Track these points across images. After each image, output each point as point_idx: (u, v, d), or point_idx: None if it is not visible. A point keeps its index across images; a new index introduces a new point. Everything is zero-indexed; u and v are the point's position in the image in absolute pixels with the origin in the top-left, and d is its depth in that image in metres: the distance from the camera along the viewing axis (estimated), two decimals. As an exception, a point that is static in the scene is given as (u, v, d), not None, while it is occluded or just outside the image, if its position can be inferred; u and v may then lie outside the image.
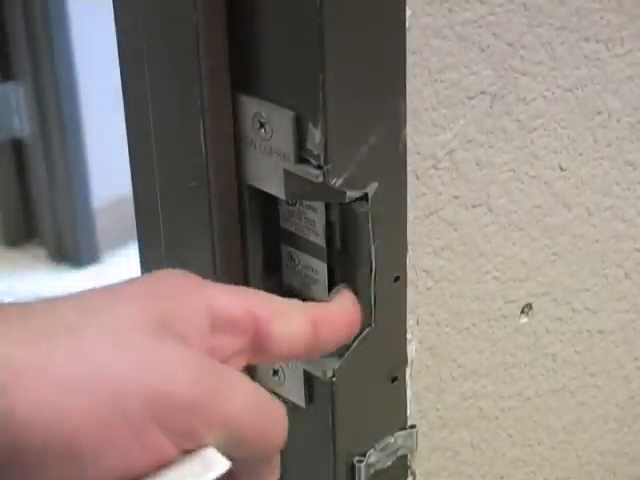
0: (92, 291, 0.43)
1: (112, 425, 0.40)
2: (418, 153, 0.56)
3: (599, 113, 0.64)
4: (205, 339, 0.44)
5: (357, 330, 0.53)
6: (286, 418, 0.45)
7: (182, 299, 0.44)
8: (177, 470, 0.41)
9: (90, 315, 0.42)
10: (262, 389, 0.44)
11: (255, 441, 0.43)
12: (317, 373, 0.56)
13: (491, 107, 0.59)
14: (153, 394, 0.40)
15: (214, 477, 0.41)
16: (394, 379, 0.60)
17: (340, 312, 0.52)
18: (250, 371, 0.60)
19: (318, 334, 0.48)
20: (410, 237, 0.57)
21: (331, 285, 0.56)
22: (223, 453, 0.42)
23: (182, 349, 0.42)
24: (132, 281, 0.45)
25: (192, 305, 0.44)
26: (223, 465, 0.41)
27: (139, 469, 0.40)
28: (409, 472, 0.63)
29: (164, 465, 0.41)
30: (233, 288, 0.48)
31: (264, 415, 0.44)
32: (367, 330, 0.56)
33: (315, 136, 0.51)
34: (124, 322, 0.42)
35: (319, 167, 0.52)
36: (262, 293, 0.48)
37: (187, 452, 0.41)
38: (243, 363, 0.47)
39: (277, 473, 0.47)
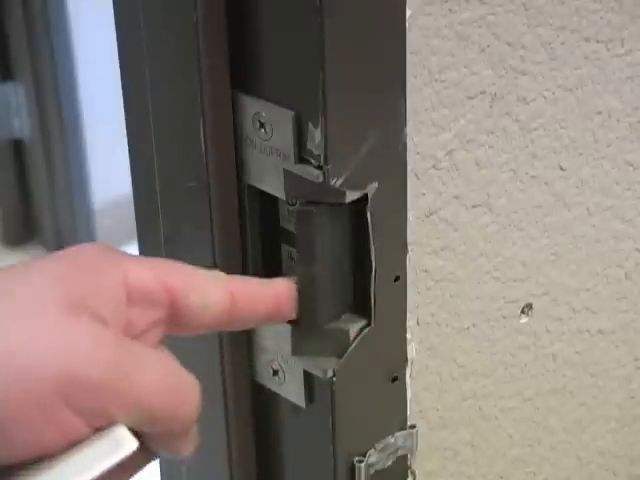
0: (11, 266, 0.44)
1: (22, 405, 0.40)
2: (418, 153, 0.56)
3: (599, 113, 0.64)
4: (120, 313, 0.45)
5: (290, 310, 0.53)
6: (198, 393, 0.45)
7: (97, 274, 0.45)
8: (88, 448, 0.42)
9: (5, 290, 0.42)
10: (176, 365, 0.45)
11: (167, 418, 0.44)
12: (317, 373, 0.56)
13: (491, 107, 0.59)
14: (62, 373, 0.41)
15: (123, 455, 0.42)
16: (394, 379, 0.60)
17: (264, 289, 0.52)
18: (250, 371, 0.60)
19: (236, 307, 0.49)
20: (410, 237, 0.57)
21: (331, 285, 0.56)
22: (135, 430, 0.43)
23: (95, 329, 0.43)
24: (48, 258, 0.45)
25: (108, 279, 0.45)
26: (132, 444, 0.42)
27: (51, 447, 0.41)
28: (409, 472, 0.63)
29: (76, 442, 0.41)
30: (148, 260, 0.48)
31: (176, 393, 0.44)
32: (367, 330, 0.56)
33: (315, 136, 0.51)
34: (36, 300, 0.42)
35: (319, 167, 0.52)
36: (180, 265, 0.49)
37: (99, 430, 0.42)
38: (160, 334, 0.47)
39: (191, 444, 0.47)
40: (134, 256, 0.48)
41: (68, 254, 0.46)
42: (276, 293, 0.52)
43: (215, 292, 0.48)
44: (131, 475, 0.46)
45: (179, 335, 0.49)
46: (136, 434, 0.43)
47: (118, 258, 0.46)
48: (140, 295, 0.46)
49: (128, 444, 0.42)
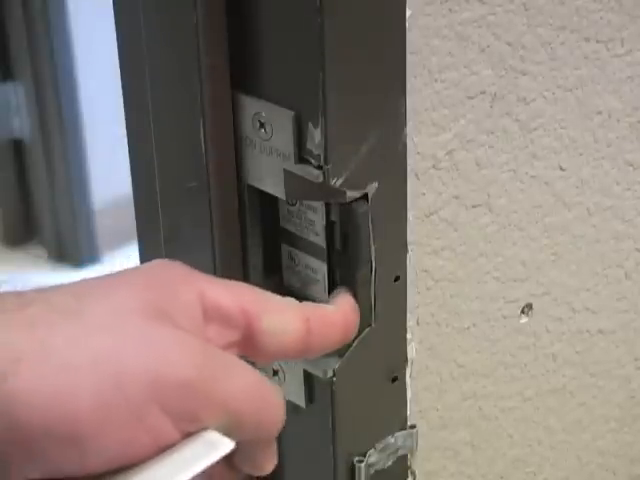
0: (88, 280, 0.44)
1: (113, 408, 0.40)
2: (418, 153, 0.56)
3: (599, 113, 0.64)
4: (199, 329, 0.45)
5: (354, 333, 0.53)
6: (283, 402, 0.45)
7: (175, 289, 0.45)
8: (180, 452, 0.41)
9: (87, 301, 0.42)
10: (260, 374, 0.45)
11: (253, 424, 0.44)
12: (317, 373, 0.56)
13: (491, 107, 0.59)
14: (154, 377, 0.41)
15: (219, 457, 0.42)
16: (394, 379, 0.60)
17: (336, 313, 0.51)
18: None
19: (311, 333, 0.48)
20: (410, 237, 0.57)
21: (331, 285, 0.56)
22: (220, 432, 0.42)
23: (179, 334, 0.43)
24: (127, 271, 0.45)
25: (185, 295, 0.45)
26: (227, 445, 0.42)
27: (141, 452, 0.41)
28: (409, 472, 0.63)
29: (166, 448, 0.41)
30: (226, 282, 0.48)
31: (262, 399, 0.44)
32: (367, 330, 0.56)
33: (315, 136, 0.51)
34: (122, 307, 0.42)
35: (319, 167, 0.52)
36: (255, 289, 0.48)
37: (188, 435, 0.42)
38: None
39: (274, 459, 0.47)
40: (207, 275, 0.47)
41: (148, 268, 0.46)
42: (346, 318, 0.52)
43: (291, 318, 0.48)
44: None
45: (253, 361, 0.48)
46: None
47: (194, 275, 0.46)
48: (216, 314, 0.45)
49: (223, 445, 0.42)
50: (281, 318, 0.47)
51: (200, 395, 0.41)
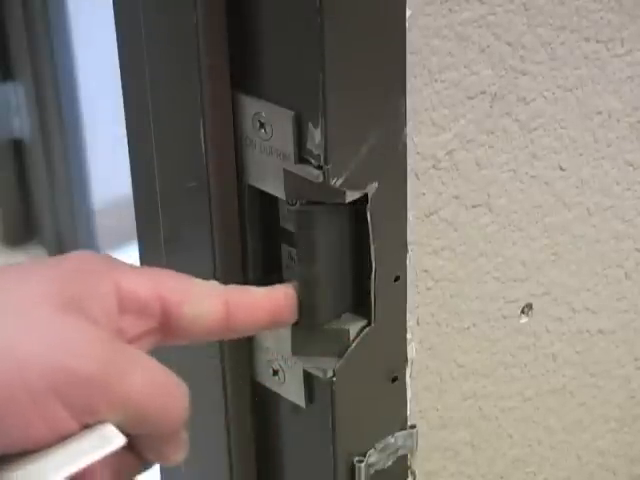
0: (2, 267, 0.44)
1: (13, 396, 0.40)
2: (418, 153, 0.56)
3: (599, 113, 0.64)
4: (112, 320, 0.45)
5: (289, 318, 0.53)
6: (186, 397, 0.46)
7: (90, 280, 0.45)
8: (76, 443, 0.42)
9: None
10: (164, 368, 0.45)
11: (155, 419, 0.44)
12: (317, 373, 0.56)
13: (491, 107, 0.59)
14: (55, 368, 0.41)
15: (110, 451, 0.43)
16: (394, 379, 0.60)
17: (261, 297, 0.52)
18: (250, 371, 0.60)
19: (231, 317, 0.49)
20: (410, 237, 0.57)
21: (331, 285, 0.56)
22: (123, 429, 0.43)
23: (87, 326, 0.43)
24: (42, 261, 0.46)
25: (100, 286, 0.45)
26: (119, 440, 0.43)
27: (39, 440, 0.41)
28: (409, 472, 0.63)
29: (65, 437, 0.42)
30: (144, 270, 0.49)
31: (164, 394, 0.44)
32: (367, 330, 0.56)
33: (315, 136, 0.51)
34: (30, 298, 0.43)
35: (319, 167, 0.52)
36: (175, 274, 0.49)
37: (87, 427, 0.42)
38: (152, 344, 0.48)
39: (182, 450, 0.48)
40: (129, 265, 0.48)
41: (63, 259, 0.47)
42: (274, 302, 0.52)
43: (210, 302, 0.49)
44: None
45: (175, 344, 0.49)
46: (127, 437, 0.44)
47: (112, 266, 0.47)
48: (132, 304, 0.46)
49: (116, 440, 0.43)
50: (201, 304, 0.48)
51: (100, 390, 0.42)
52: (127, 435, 0.44)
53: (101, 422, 0.43)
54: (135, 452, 0.46)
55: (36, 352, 0.41)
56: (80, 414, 0.42)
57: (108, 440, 0.43)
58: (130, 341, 0.46)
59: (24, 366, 0.41)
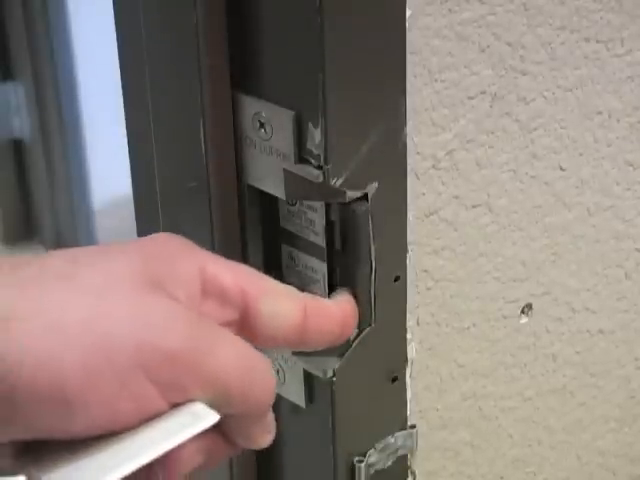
0: (86, 247, 0.44)
1: (100, 374, 0.40)
2: (418, 153, 0.56)
3: (599, 113, 0.64)
4: (195, 303, 0.45)
5: (351, 331, 0.53)
6: (273, 375, 0.45)
7: (175, 261, 0.45)
8: (164, 422, 0.41)
9: (82, 266, 0.42)
10: (251, 347, 0.44)
11: (243, 398, 0.43)
12: (317, 373, 0.56)
13: (491, 107, 0.59)
14: (142, 345, 0.41)
15: (203, 428, 0.42)
16: (394, 379, 0.60)
17: (334, 308, 0.51)
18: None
19: (307, 323, 0.48)
20: (410, 237, 0.57)
21: (331, 285, 0.56)
22: (212, 408, 0.42)
23: (171, 304, 0.43)
24: (128, 241, 0.46)
25: (184, 267, 0.45)
26: (212, 417, 0.42)
27: (126, 419, 0.41)
28: (409, 472, 0.63)
29: (152, 417, 0.41)
30: (228, 261, 0.48)
31: (252, 372, 0.44)
32: (367, 330, 0.56)
33: (315, 136, 0.51)
34: (116, 274, 0.42)
35: (319, 167, 0.52)
36: (256, 272, 0.49)
37: (176, 406, 0.42)
38: None
39: (270, 433, 0.47)
40: (211, 253, 0.48)
41: (148, 239, 0.46)
42: (344, 313, 0.52)
43: (289, 303, 0.48)
44: (213, 464, 0.46)
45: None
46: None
47: (196, 250, 0.47)
48: (215, 290, 0.46)
49: (209, 417, 0.42)
50: (279, 303, 0.48)
51: (187, 366, 0.41)
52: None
53: (191, 401, 0.42)
54: (224, 437, 0.45)
55: (120, 329, 0.40)
56: (168, 391, 0.41)
57: (200, 417, 0.41)
58: None
59: (108, 344, 0.40)
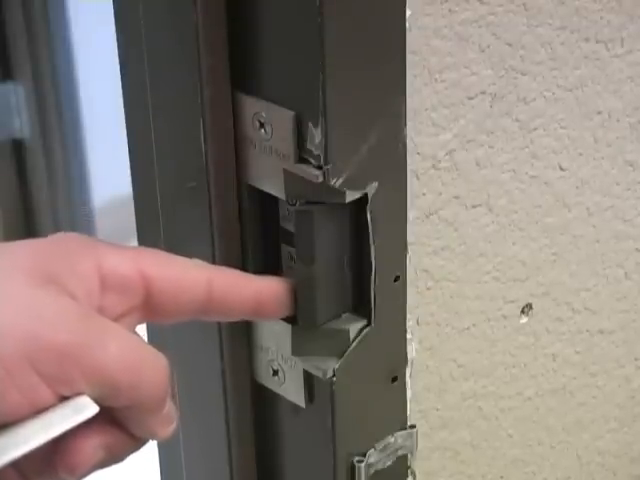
0: None
1: None
2: (418, 153, 0.56)
3: (599, 113, 0.64)
4: (93, 298, 0.46)
5: (273, 311, 0.53)
6: (165, 370, 0.46)
7: (72, 258, 0.46)
8: (50, 414, 0.42)
9: None
10: (141, 341, 0.45)
11: (132, 391, 0.44)
12: (317, 373, 0.56)
13: (491, 107, 0.59)
14: (28, 337, 0.41)
15: (80, 421, 0.43)
16: (394, 379, 0.60)
17: (244, 283, 0.52)
18: (250, 371, 0.60)
19: (213, 298, 0.49)
20: (410, 237, 0.57)
21: (331, 285, 0.56)
22: (99, 401, 0.43)
23: (62, 298, 0.44)
24: (24, 241, 0.46)
25: (81, 265, 0.46)
26: (92, 410, 0.43)
27: (16, 411, 0.42)
28: (409, 472, 0.63)
29: (40, 409, 0.42)
30: (126, 248, 0.49)
31: (141, 367, 0.44)
32: (367, 330, 0.56)
33: (315, 136, 0.51)
34: (6, 270, 0.43)
35: (319, 167, 0.52)
36: (157, 252, 0.49)
37: (64, 399, 0.43)
38: (136, 322, 0.48)
39: (169, 425, 0.48)
40: (111, 244, 0.48)
41: (47, 238, 0.47)
42: (256, 288, 0.52)
43: (191, 279, 0.49)
44: (119, 459, 0.46)
45: (158, 323, 0.49)
46: (111, 415, 0.44)
47: (94, 246, 0.47)
48: (114, 282, 0.46)
49: (88, 409, 0.43)
50: (180, 280, 0.49)
51: (73, 360, 0.42)
52: (109, 409, 0.44)
53: (78, 394, 0.43)
54: (123, 429, 0.46)
55: (9, 321, 0.41)
56: (55, 384, 0.42)
57: (80, 410, 0.43)
58: (114, 318, 0.47)
59: None
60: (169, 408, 0.47)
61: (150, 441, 0.48)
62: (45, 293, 0.43)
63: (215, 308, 0.50)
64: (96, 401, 0.43)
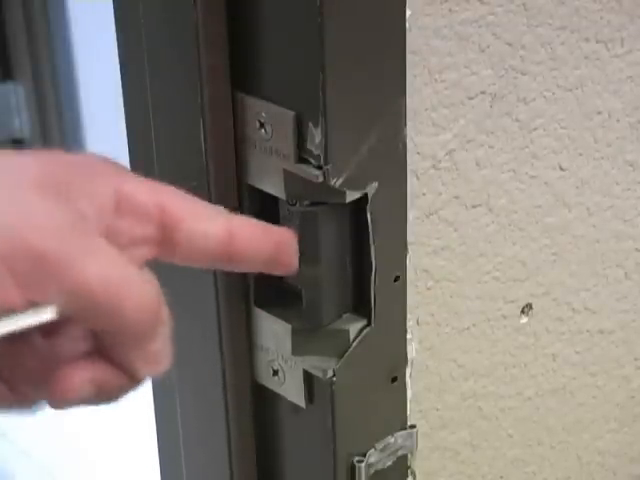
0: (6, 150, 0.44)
1: None
2: (418, 153, 0.56)
3: (599, 113, 0.64)
4: (104, 217, 0.45)
5: (290, 260, 0.51)
6: (153, 299, 0.44)
7: (92, 176, 0.45)
8: (11, 315, 0.41)
9: None
10: (128, 265, 0.44)
11: (111, 312, 0.43)
12: (317, 373, 0.56)
13: (491, 107, 0.59)
14: (10, 237, 0.41)
15: (33, 323, 0.42)
16: (394, 379, 0.60)
17: (265, 231, 0.50)
18: (250, 371, 0.60)
19: (233, 243, 0.48)
20: (410, 237, 0.57)
21: (331, 285, 0.56)
22: (77, 319, 0.42)
23: (56, 208, 0.43)
24: (47, 152, 0.46)
25: (99, 183, 0.45)
26: (48, 314, 0.42)
27: None
28: (409, 472, 0.63)
29: (9, 311, 0.41)
30: (153, 182, 0.48)
31: (122, 289, 0.43)
32: (367, 330, 0.56)
33: (315, 136, 0.51)
34: (9, 172, 0.43)
35: (319, 167, 0.52)
36: (179, 192, 0.48)
37: (33, 305, 0.42)
38: (150, 253, 0.47)
39: (154, 364, 0.46)
40: (135, 175, 0.47)
41: (74, 155, 0.46)
42: (277, 238, 0.51)
43: (213, 222, 0.48)
44: (112, 397, 0.46)
45: (173, 262, 0.48)
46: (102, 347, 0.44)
47: (119, 170, 0.47)
48: (131, 207, 0.46)
49: (44, 314, 0.42)
50: (201, 220, 0.48)
51: (51, 268, 0.41)
52: (95, 338, 0.43)
53: (47, 304, 0.42)
54: (115, 364, 0.45)
55: None
56: (27, 289, 0.41)
57: (39, 313, 0.42)
58: (125, 244, 0.46)
59: None
60: (159, 345, 0.45)
61: (144, 382, 0.46)
62: (39, 198, 0.42)
63: (235, 256, 0.48)
64: (73, 318, 0.42)
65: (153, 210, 0.46)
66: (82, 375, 0.44)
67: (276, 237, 0.51)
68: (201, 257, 0.48)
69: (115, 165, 0.47)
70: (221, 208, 0.49)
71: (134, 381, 0.46)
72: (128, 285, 0.43)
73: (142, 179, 0.47)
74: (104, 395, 0.45)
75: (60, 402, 0.43)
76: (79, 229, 0.43)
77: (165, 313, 0.46)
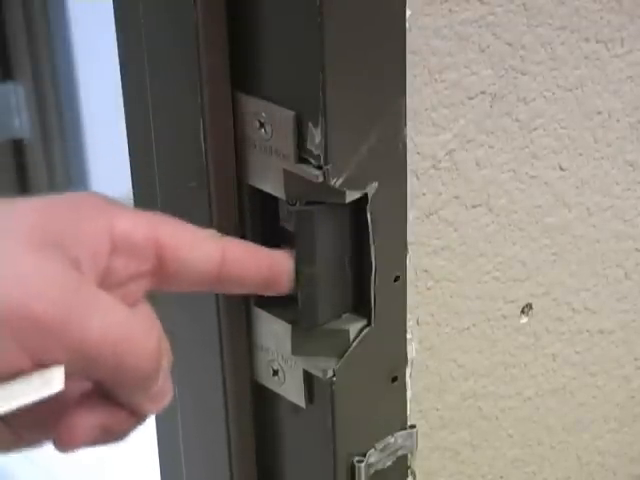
0: None
1: None
2: (418, 153, 0.56)
3: (599, 113, 0.64)
4: (99, 260, 0.45)
5: (284, 285, 0.52)
6: (156, 348, 0.44)
7: (81, 219, 0.45)
8: (21, 383, 0.42)
9: None
10: (130, 317, 0.44)
11: (114, 367, 0.43)
12: (317, 373, 0.56)
13: (491, 107, 0.59)
14: (10, 305, 0.41)
15: (44, 396, 0.42)
16: (394, 379, 0.60)
17: (258, 255, 0.51)
18: (250, 371, 0.60)
19: (226, 269, 0.49)
20: (410, 237, 0.57)
21: (331, 285, 0.56)
22: (82, 374, 0.43)
23: (55, 267, 0.42)
24: (34, 198, 0.45)
25: (91, 226, 0.45)
26: (57, 386, 0.42)
27: None
28: (409, 472, 0.63)
29: (16, 375, 0.42)
30: (142, 213, 0.48)
31: (123, 344, 0.43)
32: (367, 330, 0.56)
33: (315, 136, 0.51)
34: (9, 229, 0.42)
35: (319, 167, 0.52)
36: (171, 219, 0.49)
37: (41, 366, 0.42)
38: (145, 287, 0.47)
39: (160, 402, 0.47)
40: (123, 206, 0.47)
41: (60, 196, 0.46)
42: (270, 261, 0.52)
43: (205, 249, 0.48)
44: (119, 437, 0.46)
45: (168, 291, 0.48)
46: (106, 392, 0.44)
47: (108, 206, 0.46)
48: (125, 245, 0.46)
49: (55, 385, 0.42)
50: (197, 249, 0.48)
51: (53, 332, 0.42)
52: (99, 383, 0.43)
53: (55, 364, 0.42)
54: (120, 406, 0.45)
55: None
56: (33, 353, 0.41)
57: (48, 384, 0.42)
58: (120, 282, 0.46)
59: None
60: (162, 385, 0.46)
61: (148, 419, 0.47)
62: (37, 258, 0.42)
63: (227, 280, 0.49)
64: (79, 373, 0.43)
65: (149, 245, 0.46)
66: (89, 421, 0.44)
67: (269, 260, 0.51)
68: (195, 283, 0.48)
69: (104, 200, 0.46)
70: (213, 231, 0.50)
71: (140, 419, 0.46)
72: (131, 337, 0.44)
73: (133, 212, 0.47)
74: (111, 437, 0.46)
75: (68, 448, 0.44)
76: (76, 284, 0.43)
77: (167, 350, 0.46)
